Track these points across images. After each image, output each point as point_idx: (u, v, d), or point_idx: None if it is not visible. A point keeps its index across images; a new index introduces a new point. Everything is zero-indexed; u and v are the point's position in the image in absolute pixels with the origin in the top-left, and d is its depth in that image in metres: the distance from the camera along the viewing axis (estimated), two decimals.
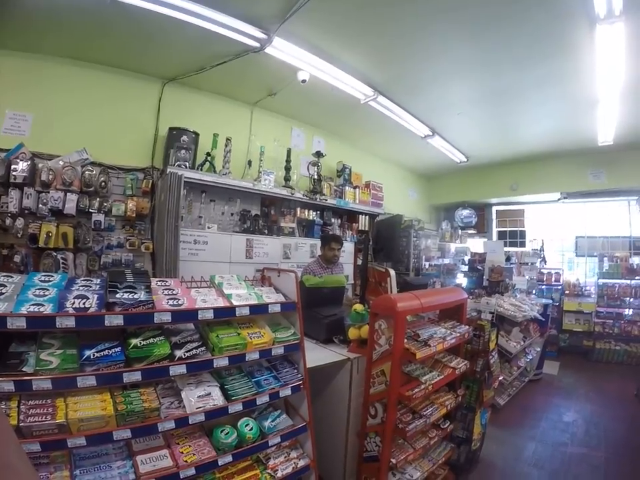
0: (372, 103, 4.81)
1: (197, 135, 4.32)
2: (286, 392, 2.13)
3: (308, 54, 3.77)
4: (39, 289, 1.61)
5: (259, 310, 2.07)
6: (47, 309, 1.49)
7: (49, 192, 3.51)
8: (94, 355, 1.57)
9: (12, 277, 1.69)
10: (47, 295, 1.58)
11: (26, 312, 1.44)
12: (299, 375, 2.23)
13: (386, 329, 2.42)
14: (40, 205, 3.48)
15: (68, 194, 3.59)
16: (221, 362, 1.87)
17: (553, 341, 6.92)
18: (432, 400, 2.75)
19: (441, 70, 4.25)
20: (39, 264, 3.48)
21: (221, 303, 1.96)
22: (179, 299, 1.85)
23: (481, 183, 8.33)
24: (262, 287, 2.39)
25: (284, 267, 4.64)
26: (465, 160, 7.47)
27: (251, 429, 1.98)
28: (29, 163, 3.43)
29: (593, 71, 4.01)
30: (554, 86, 4.47)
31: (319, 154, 5.29)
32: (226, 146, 4.38)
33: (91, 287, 1.76)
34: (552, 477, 3.30)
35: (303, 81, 4.17)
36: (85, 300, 1.60)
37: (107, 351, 1.61)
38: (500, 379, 3.70)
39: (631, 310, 6.98)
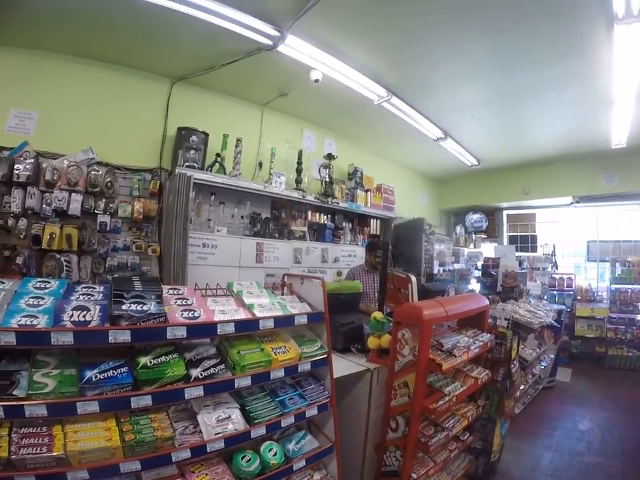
0: (385, 104, 4.73)
1: (206, 135, 4.21)
2: (312, 412, 1.97)
3: (322, 52, 3.68)
4: (32, 297, 1.43)
5: (284, 322, 1.90)
6: (41, 322, 1.31)
7: (53, 192, 3.40)
8: (96, 376, 1.39)
9: (3, 282, 1.51)
10: (41, 305, 1.40)
11: (16, 325, 1.27)
12: (326, 392, 2.08)
13: (410, 339, 2.30)
14: (44, 205, 3.37)
15: (72, 194, 3.48)
16: (243, 382, 1.69)
17: (564, 347, 6.78)
18: (453, 411, 2.63)
19: (454, 71, 4.17)
20: (41, 266, 3.37)
21: (242, 314, 1.78)
22: (195, 311, 1.66)
23: (492, 186, 8.23)
24: (283, 295, 2.23)
25: (294, 272, 4.57)
26: (477, 163, 7.37)
27: (275, 454, 1.80)
28: (32, 161, 3.32)
29: (610, 72, 3.93)
30: (569, 87, 4.39)
31: (330, 156, 5.18)
32: (236, 147, 4.28)
33: (92, 295, 1.57)
34: None
35: (316, 81, 4.06)
36: (85, 312, 1.41)
37: (111, 371, 1.43)
38: (521, 388, 3.58)
39: None
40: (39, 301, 1.43)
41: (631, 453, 3.74)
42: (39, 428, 1.32)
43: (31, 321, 1.30)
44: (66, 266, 3.44)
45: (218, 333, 1.65)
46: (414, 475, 2.30)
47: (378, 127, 5.74)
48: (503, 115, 5.35)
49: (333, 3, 3.05)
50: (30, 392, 1.27)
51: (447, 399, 2.31)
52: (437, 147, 6.26)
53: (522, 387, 4.06)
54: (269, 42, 3.51)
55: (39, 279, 1.59)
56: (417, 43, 3.66)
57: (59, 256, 3.42)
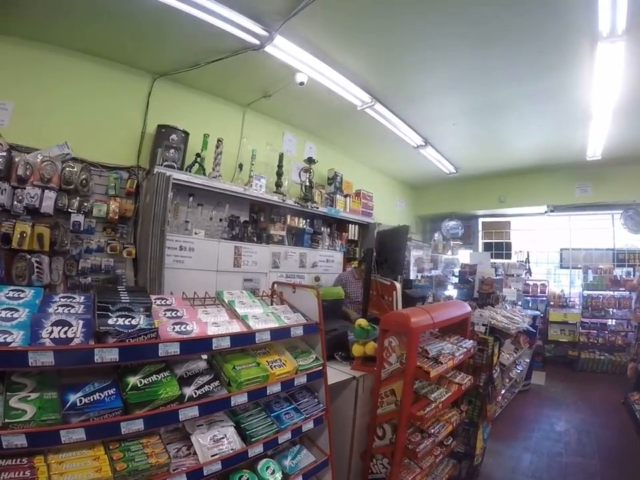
0: (368, 110, 4.72)
1: (186, 134, 4.08)
2: (309, 426, 1.89)
3: (309, 55, 3.63)
4: (5, 309, 1.28)
5: (281, 334, 1.80)
6: (17, 339, 1.16)
7: (25, 188, 3.21)
8: (81, 400, 1.24)
9: None
10: (16, 319, 1.25)
11: None
12: (321, 405, 2.00)
13: (397, 347, 2.28)
14: (15, 202, 3.17)
15: (46, 191, 3.30)
16: (239, 399, 1.58)
17: (538, 351, 6.95)
18: (437, 417, 2.63)
19: (440, 81, 4.23)
20: (11, 267, 3.18)
21: (237, 327, 1.66)
22: (187, 324, 1.53)
23: (469, 194, 8.35)
24: (274, 304, 2.14)
25: (273, 277, 4.50)
26: (455, 171, 7.46)
27: (273, 472, 1.69)
28: (5, 155, 3.13)
29: (590, 87, 4.04)
30: (549, 101, 4.51)
31: (310, 160, 5.13)
32: (217, 147, 4.16)
33: (73, 307, 1.40)
34: None
35: (301, 84, 4.01)
36: (66, 328, 1.26)
37: (97, 394, 1.28)
38: (502, 392, 3.62)
39: (615, 320, 7.13)
40: (12, 314, 1.28)
41: (608, 452, 3.86)
42: (19, 460, 1.16)
43: (5, 338, 1.16)
44: (37, 267, 3.26)
45: (213, 348, 1.53)
46: None
47: (359, 132, 5.74)
48: (483, 125, 5.45)
49: (324, 6, 3.00)
50: (7, 420, 1.12)
51: (433, 405, 2.31)
52: (417, 154, 6.29)
53: (504, 392, 4.10)
54: (257, 42, 3.44)
55: (12, 288, 1.42)
56: (405, 52, 3.67)
57: (29, 256, 3.23)
